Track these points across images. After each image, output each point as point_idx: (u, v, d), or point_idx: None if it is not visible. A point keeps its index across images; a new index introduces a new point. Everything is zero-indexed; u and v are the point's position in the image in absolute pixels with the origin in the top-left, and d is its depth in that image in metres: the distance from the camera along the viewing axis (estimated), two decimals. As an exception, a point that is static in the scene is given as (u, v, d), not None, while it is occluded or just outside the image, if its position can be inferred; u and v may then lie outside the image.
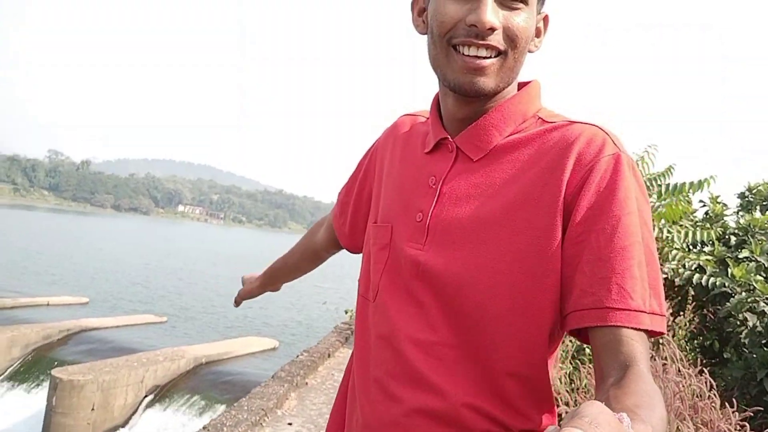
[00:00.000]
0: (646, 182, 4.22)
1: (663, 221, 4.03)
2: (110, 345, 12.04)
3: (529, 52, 0.87)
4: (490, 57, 0.82)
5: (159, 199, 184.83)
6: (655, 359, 2.92)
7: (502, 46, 0.81)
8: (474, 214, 0.85)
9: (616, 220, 0.75)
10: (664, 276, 4.01)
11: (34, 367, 10.97)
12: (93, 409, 9.08)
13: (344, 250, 1.24)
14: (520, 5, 0.81)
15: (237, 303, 1.52)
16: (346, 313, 9.26)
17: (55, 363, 10.58)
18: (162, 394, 10.11)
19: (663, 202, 3.97)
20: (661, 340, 3.24)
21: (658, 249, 3.97)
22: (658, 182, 4.29)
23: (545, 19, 0.89)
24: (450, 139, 0.90)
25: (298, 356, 6.15)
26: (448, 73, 0.84)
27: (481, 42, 0.80)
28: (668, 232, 3.96)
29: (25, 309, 14.65)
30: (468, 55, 0.81)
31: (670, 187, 4.24)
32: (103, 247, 37.73)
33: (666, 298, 3.91)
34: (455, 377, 0.84)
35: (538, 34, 0.89)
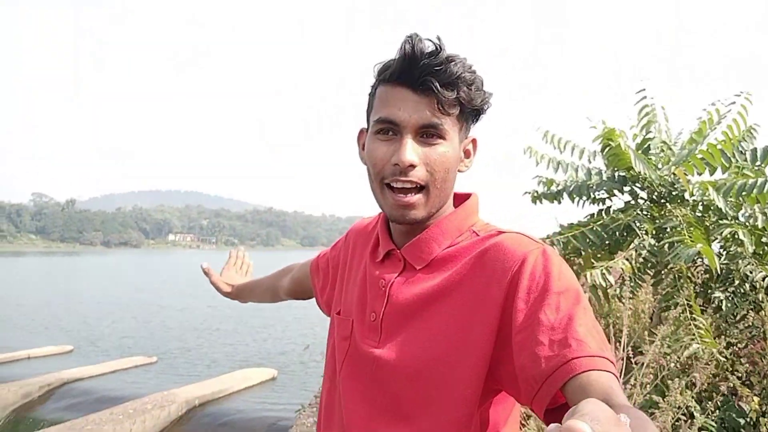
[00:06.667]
0: (731, 147, 3.20)
1: (754, 207, 3.00)
2: (95, 396, 11.19)
3: (460, 171, 1.01)
4: (415, 193, 0.95)
5: (148, 231, 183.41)
6: None
7: (423, 180, 0.94)
8: (419, 315, 0.95)
9: (558, 297, 0.84)
10: None
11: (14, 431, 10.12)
12: (78, 474, 8.27)
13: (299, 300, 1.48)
14: (438, 141, 0.94)
15: (207, 273, 1.74)
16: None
17: (39, 424, 9.76)
18: (153, 446, 9.30)
19: (755, 181, 2.78)
20: None
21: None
22: (741, 149, 3.18)
23: (473, 142, 1.02)
24: (397, 250, 1.04)
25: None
26: (384, 207, 1.00)
27: (404, 178, 0.94)
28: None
29: (4, 365, 13.79)
30: (398, 192, 0.95)
31: (758, 153, 3.06)
32: (90, 288, 36.74)
33: None
34: None
35: (468, 155, 1.02)
